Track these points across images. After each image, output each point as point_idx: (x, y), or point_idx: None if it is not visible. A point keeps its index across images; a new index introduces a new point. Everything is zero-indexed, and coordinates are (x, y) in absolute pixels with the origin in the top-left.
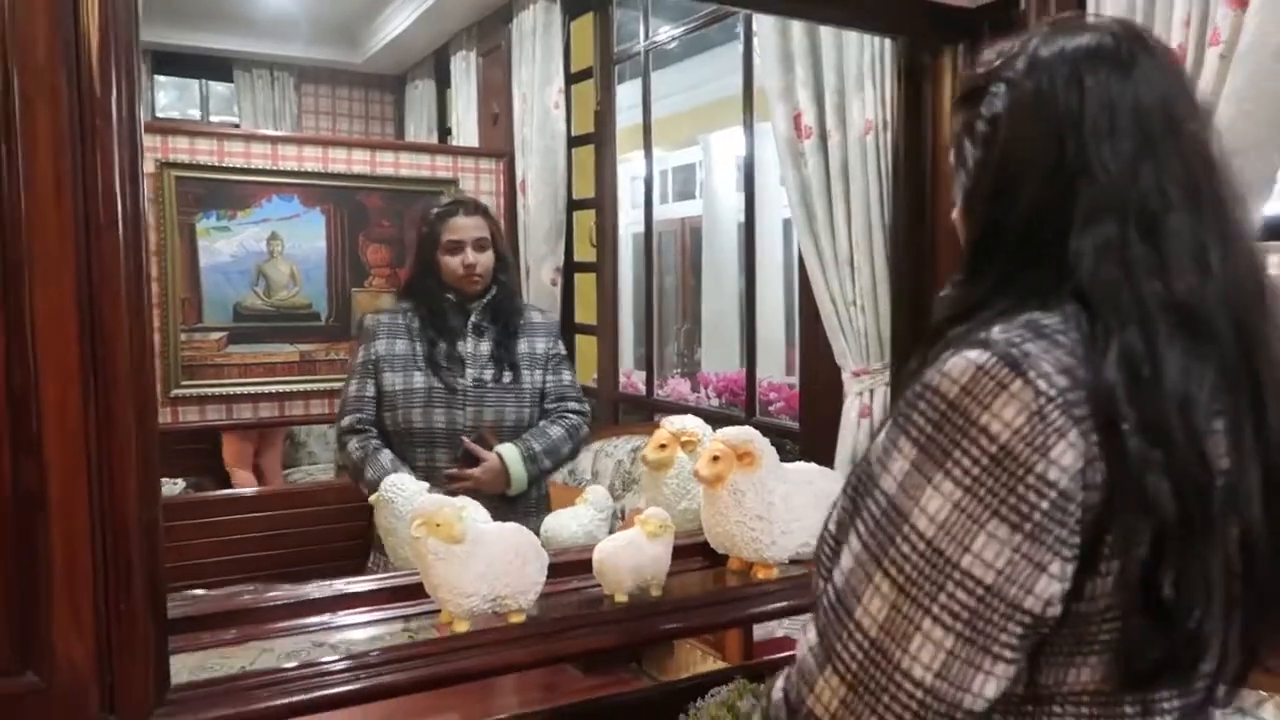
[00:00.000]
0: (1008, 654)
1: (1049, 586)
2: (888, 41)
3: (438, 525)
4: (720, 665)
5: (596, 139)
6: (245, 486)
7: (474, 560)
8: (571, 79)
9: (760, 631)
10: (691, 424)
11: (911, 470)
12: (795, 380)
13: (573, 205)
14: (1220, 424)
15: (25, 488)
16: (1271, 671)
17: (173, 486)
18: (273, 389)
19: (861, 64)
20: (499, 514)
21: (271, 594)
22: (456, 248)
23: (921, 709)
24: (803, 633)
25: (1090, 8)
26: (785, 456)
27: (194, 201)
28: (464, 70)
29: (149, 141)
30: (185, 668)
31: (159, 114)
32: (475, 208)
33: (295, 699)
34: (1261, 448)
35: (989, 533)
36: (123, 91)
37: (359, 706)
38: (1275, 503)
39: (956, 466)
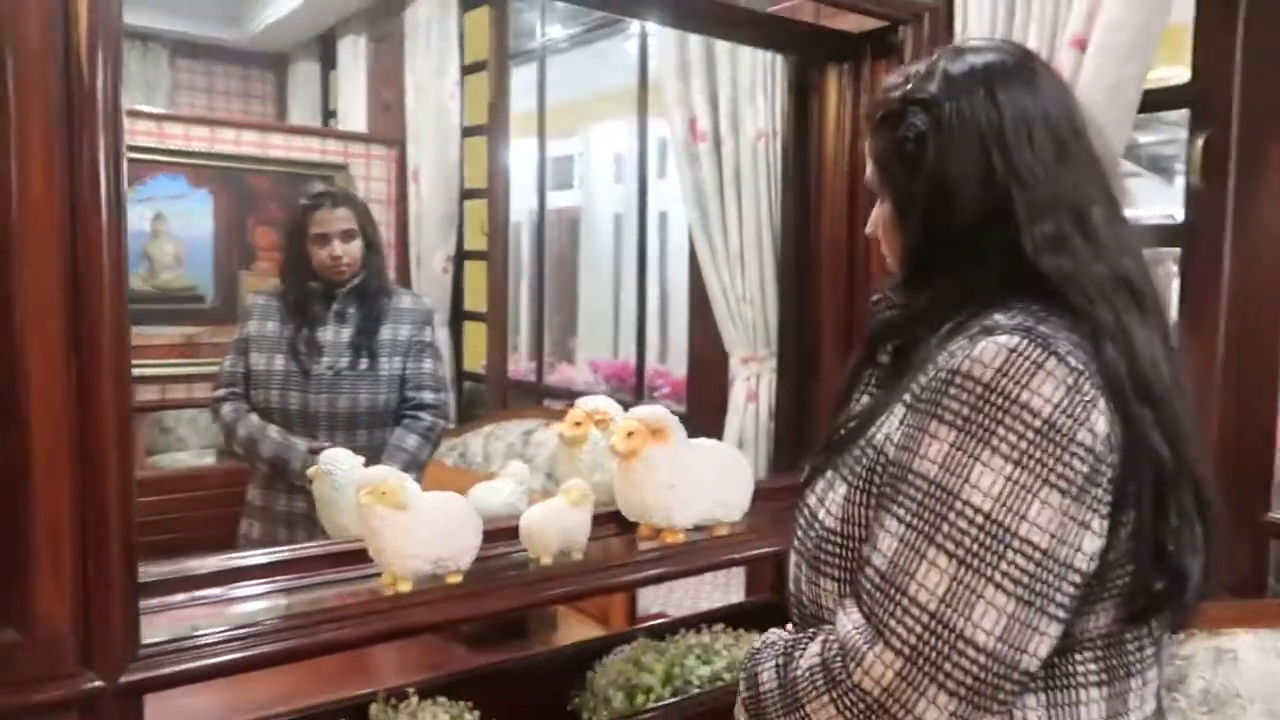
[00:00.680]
0: (1061, 614)
1: (1093, 543)
2: (779, 57)
3: (384, 493)
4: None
5: (490, 130)
6: None
7: (417, 525)
8: (466, 70)
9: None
10: (604, 403)
11: (953, 451)
12: (671, 367)
13: (465, 195)
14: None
15: (11, 458)
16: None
17: None
18: (154, 372)
19: (754, 76)
20: None
21: (229, 559)
22: (323, 240)
23: (983, 672)
24: (841, 613)
25: (957, 39)
26: None
27: None
28: (353, 55)
29: None
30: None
31: None
32: (342, 199)
33: (257, 651)
34: (1183, 400)
35: (1042, 500)
36: (109, 79)
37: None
38: (1199, 444)
39: (1004, 443)
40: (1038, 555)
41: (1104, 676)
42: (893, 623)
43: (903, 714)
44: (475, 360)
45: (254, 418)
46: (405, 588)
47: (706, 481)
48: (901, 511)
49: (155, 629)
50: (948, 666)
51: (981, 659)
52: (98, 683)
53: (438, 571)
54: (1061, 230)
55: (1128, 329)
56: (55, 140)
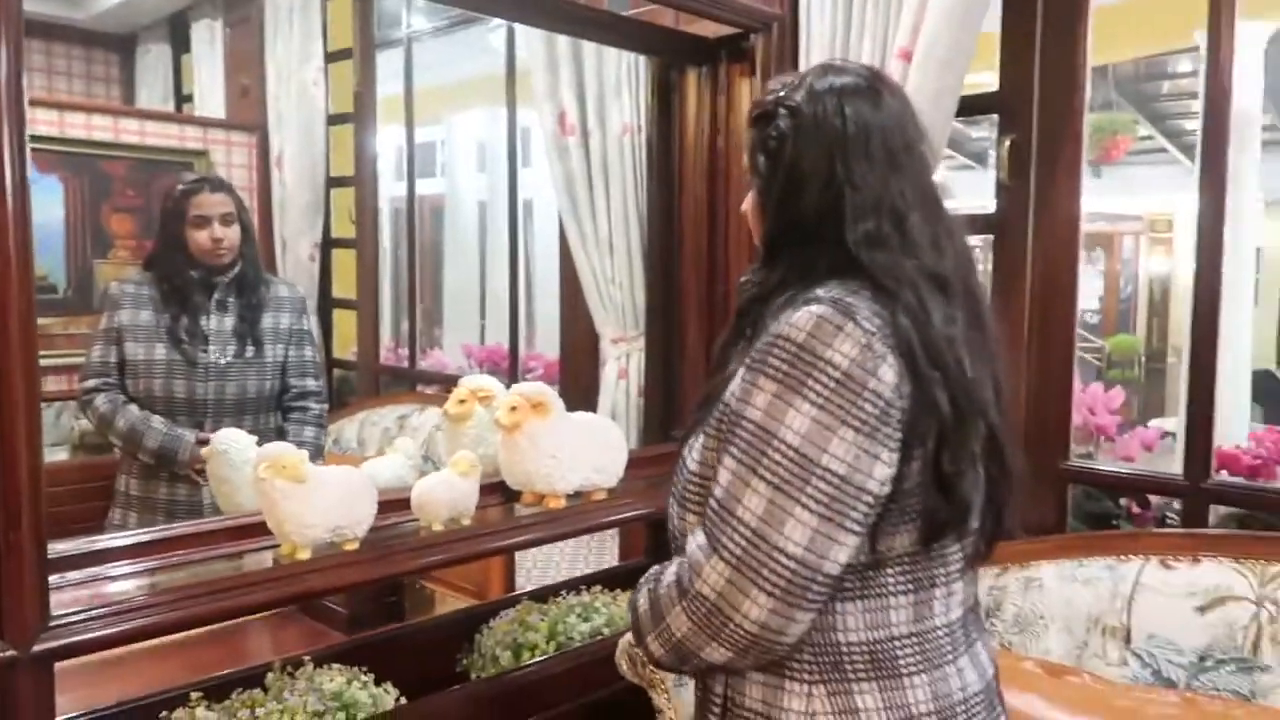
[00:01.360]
0: (856, 528)
1: (883, 471)
2: (642, 57)
3: (284, 467)
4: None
5: (356, 118)
6: None
7: (316, 497)
8: (330, 57)
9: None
10: (487, 382)
11: (773, 400)
12: (540, 350)
13: (331, 182)
14: (967, 352)
15: None
16: (1013, 539)
17: None
18: None
19: (619, 74)
20: None
21: (135, 535)
22: (203, 223)
23: (794, 576)
24: (691, 538)
25: (801, 48)
26: None
27: None
28: (207, 39)
29: None
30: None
31: None
32: (220, 184)
33: (162, 617)
34: (991, 368)
35: (840, 437)
36: (12, 64)
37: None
38: (1000, 405)
39: (811, 391)
40: (837, 480)
41: (909, 587)
42: (724, 539)
43: (733, 613)
44: (344, 348)
45: (133, 408)
46: (305, 555)
47: (585, 450)
48: (735, 450)
49: (63, 604)
50: (765, 572)
51: (792, 565)
52: (10, 652)
53: (335, 540)
54: (881, 230)
55: (927, 308)
56: None
